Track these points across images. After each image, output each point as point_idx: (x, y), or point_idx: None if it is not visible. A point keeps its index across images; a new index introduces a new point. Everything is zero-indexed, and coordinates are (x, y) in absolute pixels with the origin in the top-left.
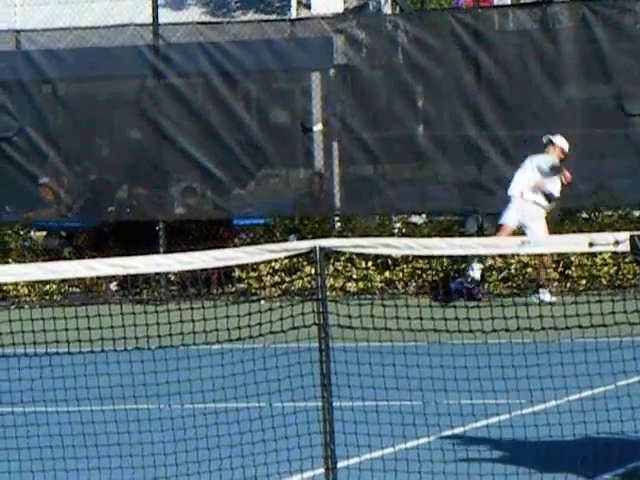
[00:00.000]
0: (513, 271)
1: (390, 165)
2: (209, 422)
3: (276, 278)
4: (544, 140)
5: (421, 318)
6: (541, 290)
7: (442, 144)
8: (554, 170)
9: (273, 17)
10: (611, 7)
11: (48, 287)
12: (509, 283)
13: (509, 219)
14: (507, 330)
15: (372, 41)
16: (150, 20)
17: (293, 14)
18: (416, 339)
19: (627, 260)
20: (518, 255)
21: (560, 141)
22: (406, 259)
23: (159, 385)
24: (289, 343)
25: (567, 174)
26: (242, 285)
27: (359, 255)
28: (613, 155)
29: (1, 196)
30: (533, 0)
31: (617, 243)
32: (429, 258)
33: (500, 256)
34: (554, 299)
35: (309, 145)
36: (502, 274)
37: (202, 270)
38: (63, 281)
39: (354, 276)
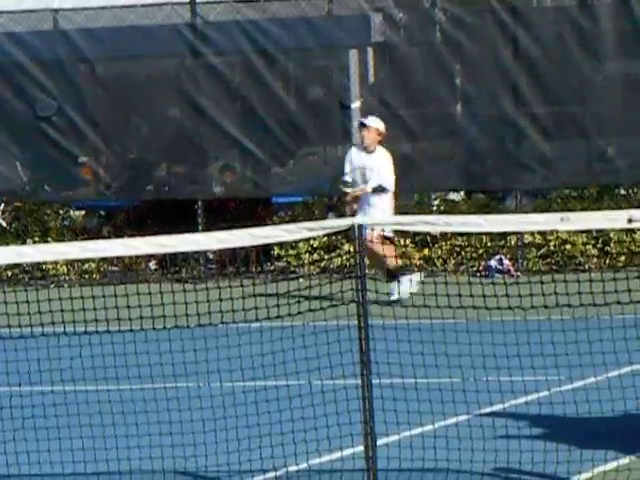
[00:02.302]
0: (552, 248)
1: (428, 142)
2: (248, 400)
3: (315, 256)
4: (356, 124)
5: (460, 295)
6: (394, 285)
7: (480, 121)
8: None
9: None
10: None
11: (87, 266)
12: (548, 260)
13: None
14: (546, 307)
15: (410, 18)
16: None
17: None
18: (455, 316)
19: None
20: (557, 231)
21: (373, 122)
22: (445, 236)
23: (198, 363)
24: (328, 321)
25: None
26: (281, 263)
27: (398, 232)
28: None
29: (40, 175)
30: None
31: None
32: (468, 235)
33: (539, 233)
34: (413, 288)
35: (347, 123)
36: (541, 251)
37: (241, 248)
38: (102, 260)
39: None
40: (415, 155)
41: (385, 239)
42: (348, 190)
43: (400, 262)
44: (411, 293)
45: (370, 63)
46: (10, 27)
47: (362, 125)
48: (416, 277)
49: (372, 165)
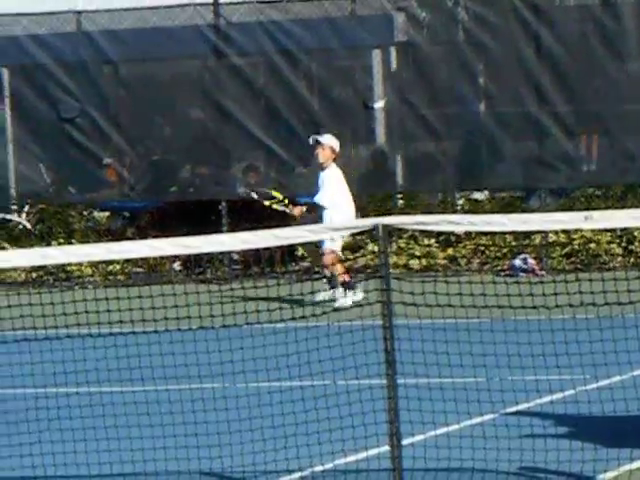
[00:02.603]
0: (576, 246)
1: (452, 142)
2: (274, 401)
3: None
4: (310, 141)
5: (484, 294)
6: (339, 292)
7: (503, 120)
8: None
9: None
10: None
11: (112, 267)
12: (572, 259)
13: None
14: (570, 305)
15: (433, 18)
16: None
17: None
18: (479, 315)
19: None
20: (581, 230)
21: (328, 140)
22: (469, 236)
23: (223, 364)
24: (353, 321)
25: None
26: (305, 263)
27: (422, 232)
28: None
29: (64, 177)
30: None
31: None
32: (492, 234)
33: (563, 231)
34: (358, 296)
35: (371, 123)
36: (565, 250)
37: (265, 249)
38: (127, 261)
39: (417, 253)
40: (438, 154)
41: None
42: (293, 212)
43: (347, 278)
44: (353, 302)
45: (393, 63)
46: (33, 29)
47: (317, 142)
48: (359, 294)
49: (320, 182)
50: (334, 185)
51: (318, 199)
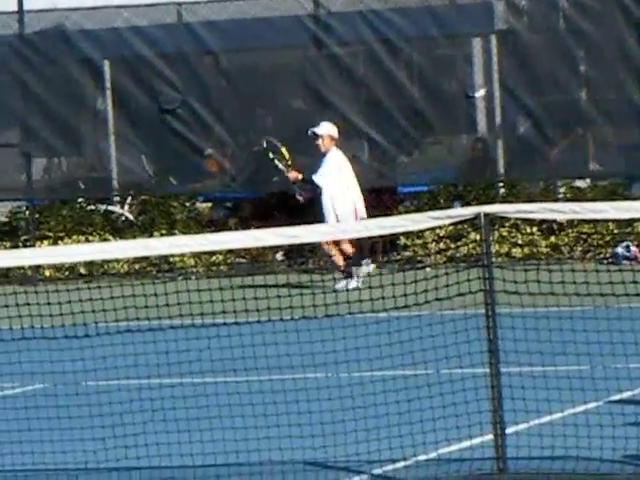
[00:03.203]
0: None
1: (553, 129)
2: (377, 390)
3: (441, 245)
4: (309, 134)
5: (587, 282)
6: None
7: (605, 107)
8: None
9: None
10: None
11: (214, 258)
12: None
13: None
14: None
15: (533, 5)
16: None
17: None
18: (582, 303)
19: None
20: None
21: (324, 129)
22: (571, 224)
23: (326, 354)
24: (455, 310)
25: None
26: (407, 252)
27: (524, 220)
28: None
29: (166, 168)
30: None
31: None
32: (594, 222)
33: None
34: (358, 283)
35: (471, 111)
36: None
37: (367, 238)
38: (229, 252)
39: (519, 242)
40: (540, 142)
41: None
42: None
43: (343, 263)
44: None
45: (494, 51)
46: (134, 21)
47: (314, 135)
48: (365, 269)
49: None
50: (333, 167)
51: (313, 177)
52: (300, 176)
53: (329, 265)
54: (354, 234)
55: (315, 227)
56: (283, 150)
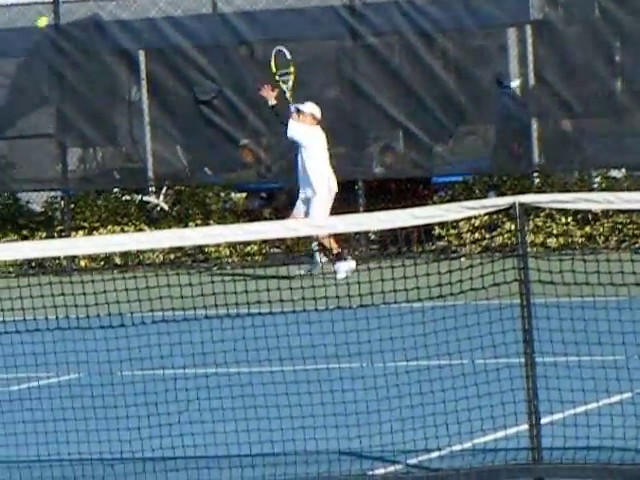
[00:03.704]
0: None
1: (588, 120)
2: (411, 380)
3: (476, 235)
4: (292, 109)
5: (622, 272)
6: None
7: None
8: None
9: None
10: None
11: (249, 248)
12: None
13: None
14: None
15: None
16: None
17: None
18: (617, 293)
19: None
20: None
21: (308, 108)
22: (606, 213)
23: (361, 344)
24: (490, 300)
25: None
26: (442, 242)
27: (559, 210)
28: None
29: (201, 158)
30: None
31: None
32: (630, 212)
33: None
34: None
35: (507, 101)
36: None
37: (402, 228)
38: (264, 242)
39: (554, 231)
40: (575, 132)
41: None
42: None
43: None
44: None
45: (529, 41)
46: (169, 11)
47: (297, 111)
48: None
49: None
50: (309, 135)
51: (289, 125)
52: (275, 94)
53: (329, 257)
54: (392, 224)
55: (350, 217)
56: (292, 68)
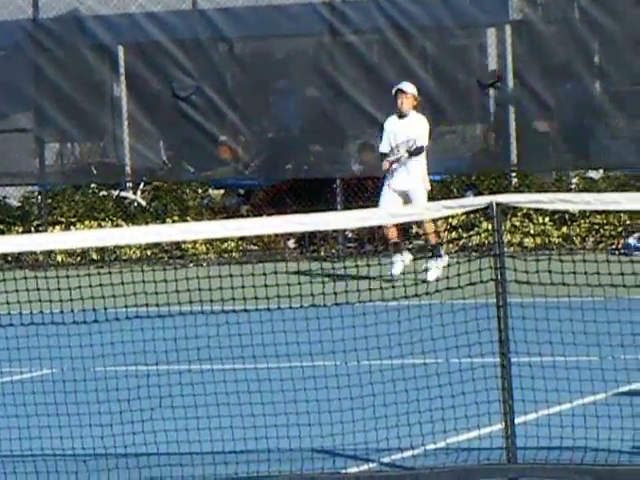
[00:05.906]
0: None
1: (567, 120)
2: (385, 379)
3: (453, 234)
4: (393, 91)
5: (598, 273)
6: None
7: (619, 99)
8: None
9: None
10: None
11: (226, 245)
12: None
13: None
14: None
15: None
16: None
17: None
18: (593, 294)
19: None
20: None
21: (411, 88)
22: (584, 214)
23: (335, 342)
24: (466, 299)
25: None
26: (419, 241)
27: (536, 211)
28: None
29: (179, 155)
30: None
31: None
32: (607, 213)
33: None
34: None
35: (485, 101)
36: None
37: (379, 227)
38: (241, 239)
39: (531, 232)
40: (553, 133)
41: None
42: (389, 159)
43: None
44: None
45: (508, 41)
46: (149, 7)
47: (400, 91)
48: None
49: (407, 128)
50: (427, 131)
51: (420, 142)
52: (404, 152)
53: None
54: (369, 222)
55: (327, 215)
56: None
